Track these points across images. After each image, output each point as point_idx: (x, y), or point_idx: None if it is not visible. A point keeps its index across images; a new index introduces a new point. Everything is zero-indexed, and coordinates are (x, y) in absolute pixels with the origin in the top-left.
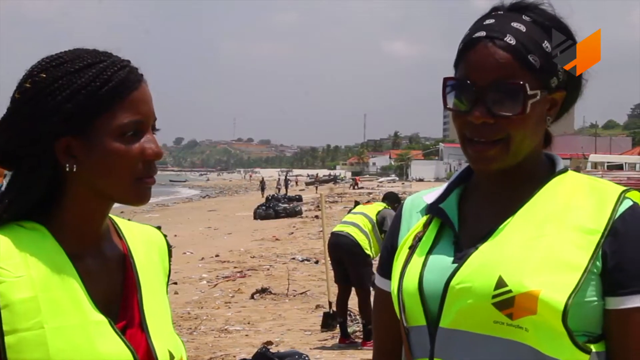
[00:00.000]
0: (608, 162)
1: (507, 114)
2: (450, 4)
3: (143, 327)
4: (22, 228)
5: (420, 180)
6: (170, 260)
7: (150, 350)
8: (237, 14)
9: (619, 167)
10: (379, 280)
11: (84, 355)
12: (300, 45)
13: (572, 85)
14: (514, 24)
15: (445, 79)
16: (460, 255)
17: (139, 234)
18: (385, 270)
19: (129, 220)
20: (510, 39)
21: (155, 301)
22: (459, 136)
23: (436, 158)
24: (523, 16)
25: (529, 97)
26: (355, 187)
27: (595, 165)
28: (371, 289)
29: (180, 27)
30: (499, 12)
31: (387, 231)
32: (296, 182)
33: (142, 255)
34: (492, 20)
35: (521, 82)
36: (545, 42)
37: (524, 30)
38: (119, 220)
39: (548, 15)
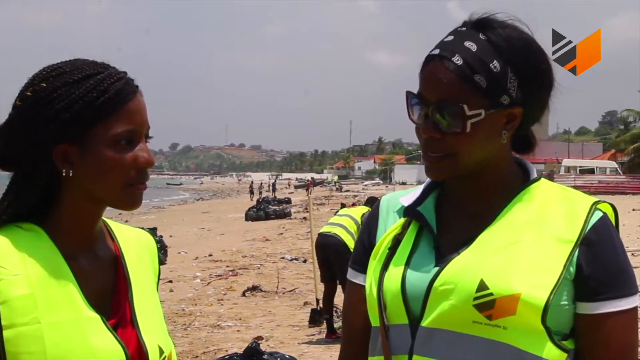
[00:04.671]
0: (580, 167)
1: (450, 131)
2: (429, 16)
3: (134, 323)
4: (20, 229)
5: (403, 183)
6: (165, 260)
7: (141, 345)
8: (230, 26)
9: (591, 171)
10: (353, 275)
11: (78, 349)
12: (289, 55)
13: (531, 101)
14: (467, 43)
15: (408, 93)
16: (442, 259)
17: (131, 236)
18: (361, 265)
19: (126, 222)
20: (457, 59)
21: (146, 299)
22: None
23: (418, 162)
24: (480, 34)
25: (468, 117)
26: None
27: (568, 169)
28: None
29: (177, 39)
30: (462, 29)
31: (362, 227)
32: (288, 185)
33: (133, 256)
34: (450, 38)
35: (460, 104)
36: (495, 62)
37: (474, 50)
38: (111, 223)
39: (504, 34)
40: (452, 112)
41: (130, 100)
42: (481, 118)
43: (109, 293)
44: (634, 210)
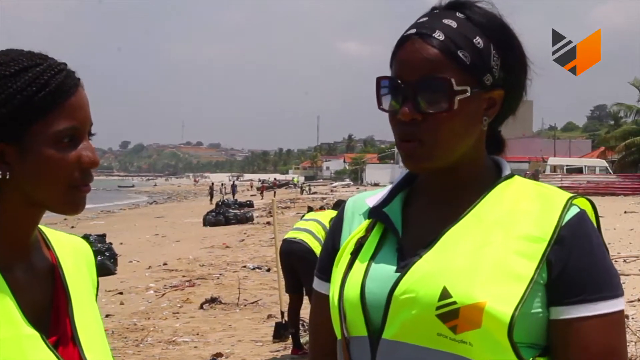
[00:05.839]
0: (567, 165)
1: (435, 110)
2: (403, 3)
3: (75, 340)
4: None
5: (376, 184)
6: (115, 270)
7: None
8: (184, 15)
9: (579, 170)
10: (318, 284)
11: None
12: (250, 46)
13: (511, 84)
14: (445, 21)
15: (379, 79)
16: (404, 263)
17: (67, 244)
18: (325, 273)
19: (72, 228)
20: (439, 35)
21: (87, 313)
22: (394, 137)
23: (392, 162)
24: (457, 13)
25: (456, 93)
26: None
27: (554, 168)
28: None
29: (128, 28)
30: (435, 11)
31: (328, 233)
32: (250, 187)
33: (71, 266)
34: (425, 19)
35: (448, 78)
36: (477, 38)
37: (455, 27)
38: (46, 230)
39: (482, 12)
40: (436, 90)
41: (72, 94)
42: (467, 96)
43: (47, 307)
44: (625, 212)
